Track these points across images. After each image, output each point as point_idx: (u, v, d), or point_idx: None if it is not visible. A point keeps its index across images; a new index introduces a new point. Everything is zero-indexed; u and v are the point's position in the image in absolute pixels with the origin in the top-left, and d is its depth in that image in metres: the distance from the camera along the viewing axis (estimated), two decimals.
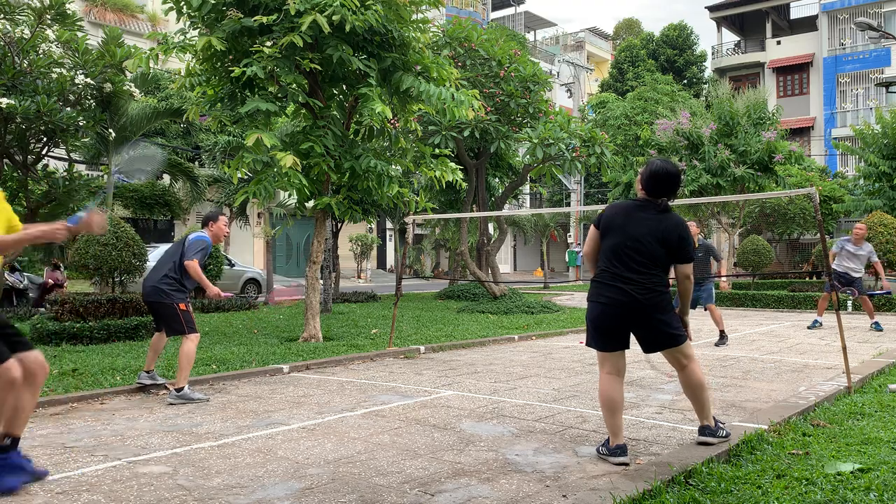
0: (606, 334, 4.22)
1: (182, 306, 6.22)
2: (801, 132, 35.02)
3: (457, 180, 10.46)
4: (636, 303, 4.09)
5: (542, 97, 16.39)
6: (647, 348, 4.30)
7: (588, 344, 4.34)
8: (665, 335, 4.21)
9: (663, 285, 4.19)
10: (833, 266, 11.64)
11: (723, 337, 9.91)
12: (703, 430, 4.40)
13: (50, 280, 14.68)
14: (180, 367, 6.07)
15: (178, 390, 6.04)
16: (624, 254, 4.14)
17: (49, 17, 10.30)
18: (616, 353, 4.26)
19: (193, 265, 6.26)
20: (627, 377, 7.19)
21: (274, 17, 8.13)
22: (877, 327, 11.63)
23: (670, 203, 4.27)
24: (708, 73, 42.05)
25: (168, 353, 8.26)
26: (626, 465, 4.14)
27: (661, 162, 4.26)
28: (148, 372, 6.50)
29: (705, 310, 10.03)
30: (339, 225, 17.75)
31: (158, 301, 6.22)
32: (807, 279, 21.31)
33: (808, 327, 12.16)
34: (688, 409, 5.67)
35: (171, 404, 5.97)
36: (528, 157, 15.92)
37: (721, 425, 4.47)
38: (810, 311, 16.02)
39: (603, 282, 4.21)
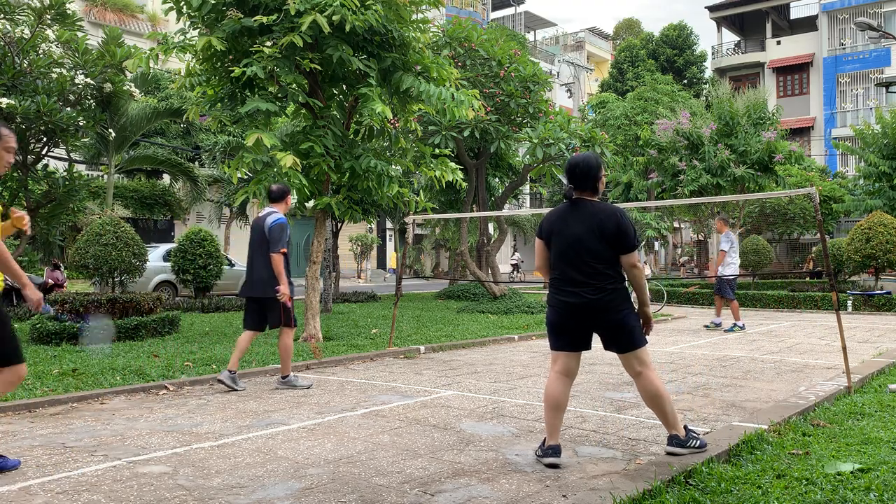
0: (562, 333, 4.18)
1: (289, 301, 6.50)
2: (801, 132, 35.04)
3: (457, 180, 10.46)
4: (590, 304, 4.06)
5: (542, 97, 16.39)
6: (606, 345, 4.23)
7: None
8: (622, 333, 4.11)
9: (616, 281, 4.11)
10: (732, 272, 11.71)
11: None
12: (671, 440, 4.21)
13: (50, 280, 14.69)
14: (282, 358, 6.58)
15: (284, 377, 6.60)
16: (572, 256, 4.12)
17: (49, 17, 10.29)
18: (569, 354, 4.20)
19: (278, 260, 6.44)
20: (627, 378, 7.19)
21: (274, 17, 8.13)
22: (714, 323, 11.89)
23: (602, 195, 4.30)
24: (708, 73, 42.09)
25: (168, 353, 8.27)
26: (557, 466, 4.09)
27: (570, 156, 4.32)
28: (230, 371, 6.54)
29: None
30: (339, 225, 17.75)
31: (266, 296, 6.44)
32: (807, 279, 21.31)
33: (706, 327, 11.97)
34: (687, 409, 5.68)
35: (276, 389, 6.54)
36: (528, 157, 15.92)
37: (694, 434, 4.24)
38: (810, 310, 16.04)
39: (557, 287, 4.19)
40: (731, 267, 11.62)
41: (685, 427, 4.25)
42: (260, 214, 6.72)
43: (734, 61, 38.78)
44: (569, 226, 4.16)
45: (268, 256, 6.47)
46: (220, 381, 6.47)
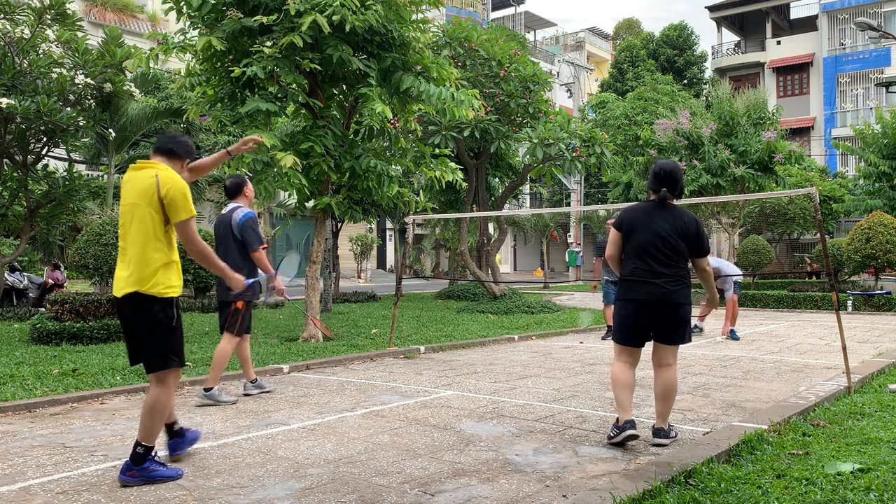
0: (634, 331, 4.51)
1: (239, 304, 5.95)
2: (801, 132, 35.03)
3: (457, 180, 10.46)
4: (667, 295, 4.39)
5: (542, 97, 16.38)
6: (663, 339, 4.50)
7: (613, 338, 4.63)
8: (681, 327, 4.47)
9: (687, 277, 4.49)
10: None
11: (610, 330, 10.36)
12: (658, 433, 4.59)
13: (50, 280, 14.69)
14: (213, 366, 5.87)
15: (207, 390, 5.86)
16: (653, 250, 4.44)
17: (49, 17, 10.30)
18: (636, 348, 4.56)
19: (260, 256, 5.95)
20: None
21: (274, 17, 8.14)
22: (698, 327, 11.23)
23: (677, 201, 4.62)
24: (708, 73, 42.05)
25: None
26: (636, 437, 4.42)
27: (659, 162, 4.65)
28: (252, 382, 6.31)
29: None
30: (339, 225, 17.75)
31: (227, 300, 5.98)
32: (806, 279, 21.31)
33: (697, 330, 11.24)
34: (687, 409, 5.68)
35: (198, 406, 5.81)
36: (528, 157, 15.91)
37: (672, 426, 4.74)
38: (810, 310, 16.04)
39: (636, 279, 4.47)
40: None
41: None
42: (223, 211, 6.18)
43: (734, 61, 38.76)
44: (655, 222, 4.48)
45: (235, 254, 5.89)
46: (248, 395, 6.20)
